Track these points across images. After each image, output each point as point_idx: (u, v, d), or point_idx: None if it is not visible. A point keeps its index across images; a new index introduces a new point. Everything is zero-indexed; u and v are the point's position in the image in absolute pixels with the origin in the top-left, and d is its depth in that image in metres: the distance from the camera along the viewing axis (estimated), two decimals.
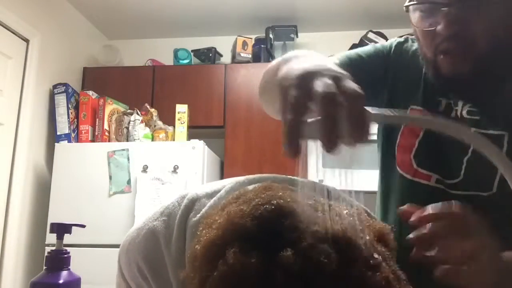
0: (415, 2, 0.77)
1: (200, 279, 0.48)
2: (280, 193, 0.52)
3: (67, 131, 2.93)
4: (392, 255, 0.51)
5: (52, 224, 0.76)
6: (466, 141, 0.53)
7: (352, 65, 0.88)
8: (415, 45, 0.92)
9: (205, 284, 0.47)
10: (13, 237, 2.64)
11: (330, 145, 0.46)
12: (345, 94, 0.48)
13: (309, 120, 0.48)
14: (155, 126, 2.98)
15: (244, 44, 3.38)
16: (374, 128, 0.96)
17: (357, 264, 0.45)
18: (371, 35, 3.17)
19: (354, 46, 3.24)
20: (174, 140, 2.93)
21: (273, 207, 0.49)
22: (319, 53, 0.74)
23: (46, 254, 0.76)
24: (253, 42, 3.40)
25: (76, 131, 2.97)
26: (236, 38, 3.40)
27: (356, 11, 3.30)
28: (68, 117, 2.95)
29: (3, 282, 2.57)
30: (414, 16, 0.78)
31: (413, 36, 0.94)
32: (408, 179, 0.87)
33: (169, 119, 3.00)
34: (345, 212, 0.51)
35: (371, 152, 0.97)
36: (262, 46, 3.34)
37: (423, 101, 0.87)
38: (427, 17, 0.76)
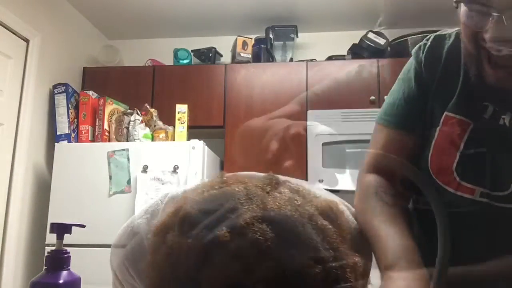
0: (467, 1, 0.73)
1: (151, 262, 0.51)
2: (231, 182, 0.54)
3: (67, 131, 2.93)
4: (341, 231, 0.53)
5: (52, 224, 0.76)
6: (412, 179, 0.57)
7: (404, 122, 0.87)
8: (448, 42, 0.88)
9: (154, 267, 0.49)
10: (13, 237, 2.64)
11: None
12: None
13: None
14: (155, 126, 2.98)
15: (244, 44, 3.38)
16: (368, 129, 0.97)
17: (291, 241, 0.46)
18: (371, 35, 3.17)
19: (354, 46, 3.24)
20: (174, 140, 2.93)
21: (215, 191, 0.51)
22: None
23: (46, 254, 0.76)
24: (253, 42, 3.40)
25: (76, 131, 2.97)
26: (236, 38, 3.40)
27: (356, 11, 3.30)
28: (68, 117, 2.95)
29: (3, 282, 2.57)
30: (462, 11, 0.75)
31: (439, 33, 0.91)
32: (450, 192, 0.83)
33: (169, 119, 3.00)
34: (286, 192, 0.52)
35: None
36: (262, 46, 3.34)
37: (463, 105, 0.82)
38: (475, 16, 0.72)
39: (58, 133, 2.94)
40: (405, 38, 3.09)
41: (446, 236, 0.58)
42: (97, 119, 2.96)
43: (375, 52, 3.11)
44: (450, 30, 0.91)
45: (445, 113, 0.83)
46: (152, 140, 2.91)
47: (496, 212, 0.74)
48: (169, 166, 2.67)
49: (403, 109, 0.88)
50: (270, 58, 3.34)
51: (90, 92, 3.04)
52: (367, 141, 0.95)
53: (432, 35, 0.91)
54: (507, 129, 0.79)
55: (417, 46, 0.92)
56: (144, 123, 2.95)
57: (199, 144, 2.74)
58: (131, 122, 2.93)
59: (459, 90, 0.83)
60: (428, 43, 0.90)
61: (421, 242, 0.76)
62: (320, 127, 2.86)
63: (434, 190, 0.56)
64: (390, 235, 0.74)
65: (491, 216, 0.78)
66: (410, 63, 0.91)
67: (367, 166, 0.89)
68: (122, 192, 2.69)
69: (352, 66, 3.18)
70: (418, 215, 0.86)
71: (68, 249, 0.76)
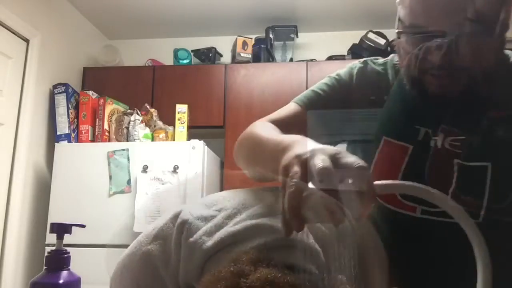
0: (410, 31, 0.76)
1: None
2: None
3: (67, 131, 2.93)
4: None
5: (52, 224, 0.76)
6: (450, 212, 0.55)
7: (312, 104, 0.92)
8: (378, 67, 0.94)
9: None
10: (13, 237, 2.64)
11: (336, 222, 0.48)
12: (348, 168, 0.51)
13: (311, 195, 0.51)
14: (155, 126, 2.98)
15: (244, 44, 3.38)
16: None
17: None
18: (371, 35, 3.17)
19: (354, 46, 3.25)
20: (174, 140, 2.93)
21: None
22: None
23: (46, 254, 0.76)
24: (253, 42, 3.40)
25: (76, 131, 2.97)
26: (236, 38, 3.40)
27: (356, 11, 3.30)
28: (68, 117, 2.95)
29: (3, 282, 2.57)
30: (404, 40, 0.78)
31: (372, 59, 0.97)
32: (391, 209, 0.86)
33: (169, 119, 3.00)
34: None
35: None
36: (262, 46, 3.34)
37: (399, 129, 0.86)
38: (418, 43, 0.75)
39: (58, 133, 2.94)
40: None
41: (488, 273, 0.54)
42: (97, 119, 2.96)
43: (375, 52, 3.11)
44: (381, 59, 0.97)
45: (384, 137, 0.87)
46: (152, 140, 2.92)
47: (439, 228, 0.77)
48: (169, 166, 2.67)
49: (320, 98, 0.93)
50: (270, 58, 3.34)
51: (90, 92, 3.05)
52: (367, 141, 0.95)
53: (363, 60, 0.97)
54: (438, 150, 0.83)
55: (351, 64, 0.97)
56: (144, 123, 2.95)
57: (199, 144, 2.74)
58: (131, 122, 2.93)
59: (395, 115, 0.87)
60: (361, 65, 0.96)
61: (424, 251, 0.77)
62: None
63: (474, 226, 0.55)
64: (282, 135, 0.74)
65: (432, 229, 0.80)
66: (343, 71, 0.97)
67: (268, 119, 0.93)
68: (122, 192, 2.69)
69: None
70: (427, 225, 0.85)
71: (68, 249, 0.75)
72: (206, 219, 0.64)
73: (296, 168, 0.53)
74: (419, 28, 0.74)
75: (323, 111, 0.91)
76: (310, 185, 0.51)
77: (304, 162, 0.53)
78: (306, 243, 0.59)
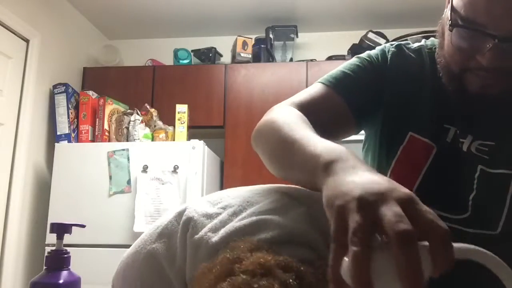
0: (466, 26, 0.70)
1: None
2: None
3: (67, 131, 2.93)
4: None
5: (52, 224, 0.76)
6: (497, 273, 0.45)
7: (341, 85, 0.83)
8: (413, 54, 0.87)
9: None
10: (13, 237, 2.64)
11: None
12: (425, 229, 0.41)
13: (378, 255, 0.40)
14: (155, 126, 2.98)
15: (244, 44, 3.38)
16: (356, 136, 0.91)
17: None
18: (371, 35, 3.17)
19: (354, 46, 3.24)
20: (174, 140, 2.93)
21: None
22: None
23: (46, 254, 0.76)
24: (253, 42, 3.40)
25: (76, 131, 2.97)
26: (236, 38, 3.40)
27: (356, 11, 3.31)
28: (68, 117, 2.95)
29: (3, 282, 2.57)
30: (455, 32, 0.72)
31: (406, 42, 0.90)
32: None
33: (169, 119, 3.00)
34: None
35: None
36: (262, 46, 3.34)
37: (428, 126, 0.81)
38: (472, 39, 0.70)
39: (58, 133, 2.94)
40: (405, 38, 3.09)
41: None
42: (97, 119, 2.96)
43: None
44: (414, 44, 0.89)
45: (410, 133, 0.82)
46: (152, 140, 2.92)
47: (456, 235, 0.71)
48: (169, 166, 2.67)
49: (352, 81, 0.84)
50: (270, 58, 3.34)
51: (90, 92, 3.05)
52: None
53: (396, 43, 0.89)
54: (464, 153, 0.78)
55: (383, 45, 0.90)
56: (144, 123, 2.95)
57: (199, 144, 2.74)
58: (131, 122, 2.93)
59: (425, 111, 0.82)
60: (394, 49, 0.88)
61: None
62: None
63: None
64: (316, 137, 0.63)
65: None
66: (376, 52, 0.89)
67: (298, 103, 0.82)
68: (122, 192, 2.69)
69: None
70: None
71: (68, 249, 0.75)
72: (211, 216, 0.63)
73: (357, 218, 0.41)
74: (477, 24, 0.67)
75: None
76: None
77: (368, 210, 0.42)
78: (314, 240, 0.58)
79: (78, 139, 2.95)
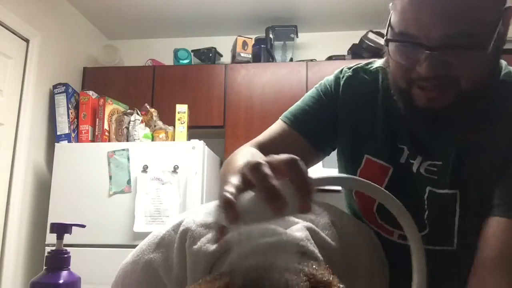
0: (398, 40, 0.72)
1: None
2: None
3: (67, 131, 2.93)
4: None
5: (52, 224, 0.76)
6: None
7: (301, 122, 0.90)
8: (369, 76, 0.89)
9: None
10: (13, 237, 2.64)
11: (279, 209, 0.46)
12: (279, 165, 0.49)
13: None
14: (155, 126, 2.98)
15: (244, 44, 3.38)
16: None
17: None
18: (371, 35, 3.17)
19: (354, 46, 3.24)
20: (174, 140, 2.93)
21: None
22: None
23: (46, 254, 0.76)
24: (253, 42, 3.40)
25: (76, 131, 2.97)
26: (236, 38, 3.40)
27: (356, 11, 3.30)
28: (68, 117, 2.95)
29: (3, 282, 2.57)
30: (392, 48, 0.74)
31: (366, 63, 0.92)
32: (374, 229, 0.86)
33: (169, 119, 3.00)
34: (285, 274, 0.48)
35: None
36: (262, 46, 3.34)
37: (382, 148, 0.84)
38: (407, 52, 0.72)
39: (58, 133, 2.94)
40: None
41: (423, 273, 0.51)
42: (97, 119, 2.96)
43: (375, 52, 3.11)
44: (375, 63, 0.91)
45: (366, 156, 0.85)
46: (152, 140, 2.91)
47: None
48: (169, 166, 2.67)
49: (307, 114, 0.90)
50: (270, 58, 3.34)
51: (90, 92, 3.05)
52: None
53: (354, 66, 0.91)
54: (414, 175, 0.81)
55: (338, 70, 0.93)
56: (144, 123, 2.95)
57: (199, 144, 2.74)
58: (131, 122, 2.93)
59: (379, 133, 0.84)
60: (350, 73, 0.90)
61: (398, 277, 0.74)
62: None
63: (412, 223, 0.52)
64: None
65: (409, 255, 0.80)
66: (330, 80, 0.92)
67: (255, 143, 0.92)
68: (122, 192, 2.69)
69: None
70: (404, 250, 0.85)
71: (68, 249, 0.76)
72: (209, 226, 0.63)
73: (231, 179, 0.51)
74: (410, 36, 0.70)
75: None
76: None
77: (240, 172, 0.51)
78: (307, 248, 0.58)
79: (78, 139, 2.95)
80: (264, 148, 0.86)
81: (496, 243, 0.69)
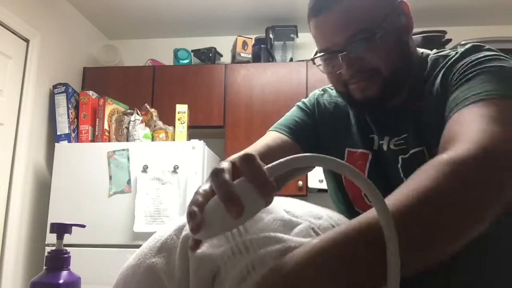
0: (317, 56, 0.90)
1: None
2: None
3: (67, 131, 2.93)
4: None
5: (52, 224, 0.76)
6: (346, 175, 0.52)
7: (293, 131, 1.00)
8: (325, 95, 1.05)
9: None
10: (13, 237, 2.64)
11: (236, 213, 0.48)
12: (236, 164, 0.52)
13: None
14: (155, 126, 2.98)
15: (244, 44, 3.39)
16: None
17: None
18: None
19: None
20: (174, 140, 2.93)
21: None
22: None
23: (46, 254, 0.76)
24: (253, 42, 3.40)
25: (76, 131, 2.97)
26: (236, 38, 3.40)
27: None
28: (68, 117, 2.95)
29: (3, 282, 2.57)
30: (320, 63, 0.90)
31: (329, 86, 1.04)
32: (359, 211, 0.90)
33: (169, 119, 3.00)
34: None
35: None
36: (262, 46, 3.34)
37: (358, 140, 0.96)
38: (330, 62, 0.88)
39: (58, 133, 2.94)
40: None
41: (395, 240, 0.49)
42: (97, 119, 2.96)
43: None
44: (317, 90, 1.09)
45: (347, 149, 0.97)
46: (152, 140, 2.92)
47: None
48: (169, 166, 2.67)
49: (297, 124, 1.01)
50: (270, 58, 3.34)
51: (90, 92, 3.05)
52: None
53: (323, 87, 1.09)
54: (386, 152, 0.91)
55: (315, 91, 1.09)
56: (144, 123, 2.95)
57: (199, 144, 2.74)
58: (131, 122, 2.93)
59: (353, 130, 0.97)
60: (321, 92, 1.07)
61: None
62: None
63: (373, 188, 0.51)
64: None
65: None
66: (307, 99, 1.08)
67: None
68: (122, 192, 2.69)
69: None
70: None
71: (68, 249, 0.76)
72: None
73: (202, 187, 0.55)
74: (325, 50, 0.87)
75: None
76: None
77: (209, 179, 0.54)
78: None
79: (78, 139, 2.95)
80: (262, 156, 0.88)
81: (455, 127, 0.70)
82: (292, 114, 1.05)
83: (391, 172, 0.89)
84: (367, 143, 0.95)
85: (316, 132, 1.02)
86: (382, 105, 0.89)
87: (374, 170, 0.92)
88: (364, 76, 0.86)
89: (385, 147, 0.92)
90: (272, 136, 0.99)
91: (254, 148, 0.95)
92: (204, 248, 0.61)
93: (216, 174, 0.51)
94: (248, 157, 0.51)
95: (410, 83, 0.89)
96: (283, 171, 0.51)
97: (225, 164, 0.53)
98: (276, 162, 0.51)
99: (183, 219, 0.69)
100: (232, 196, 0.48)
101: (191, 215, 0.50)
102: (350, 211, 0.96)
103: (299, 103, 1.08)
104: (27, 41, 2.83)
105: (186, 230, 0.65)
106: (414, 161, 0.86)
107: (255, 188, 0.49)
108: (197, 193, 0.53)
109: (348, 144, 0.97)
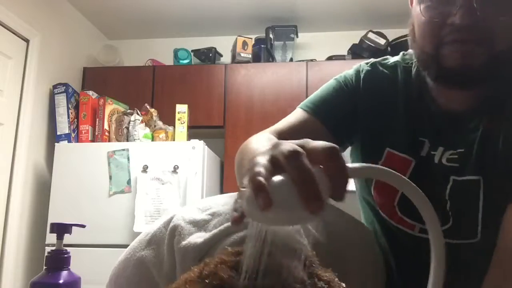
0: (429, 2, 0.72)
1: None
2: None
3: (67, 131, 2.93)
4: None
5: (52, 224, 0.76)
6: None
7: (322, 111, 0.87)
8: (387, 70, 0.89)
9: None
10: (13, 237, 2.64)
11: (314, 207, 0.41)
12: (316, 151, 0.45)
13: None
14: (155, 126, 2.98)
15: (244, 44, 3.38)
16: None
17: None
18: (371, 35, 3.17)
19: (354, 46, 3.24)
20: (174, 140, 2.93)
21: None
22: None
23: (46, 254, 0.76)
24: (253, 42, 3.40)
25: (76, 131, 2.97)
26: (236, 38, 3.40)
27: (356, 11, 3.30)
28: (68, 117, 2.95)
29: (3, 282, 2.57)
30: (421, 6, 0.74)
31: (383, 59, 0.91)
32: (392, 224, 0.85)
33: (169, 119, 3.00)
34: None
35: None
36: (262, 46, 3.34)
37: (403, 141, 0.83)
38: (435, 7, 0.72)
39: (58, 133, 2.94)
40: (405, 38, 3.09)
41: (442, 266, 0.49)
42: (97, 119, 2.96)
43: (375, 52, 3.11)
44: (391, 59, 0.91)
45: (387, 149, 0.84)
46: (152, 140, 2.92)
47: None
48: (169, 166, 2.67)
49: (328, 103, 0.88)
50: (270, 58, 3.34)
51: (90, 92, 3.04)
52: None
53: (371, 61, 0.91)
54: (436, 166, 0.80)
55: (358, 65, 0.92)
56: (144, 123, 2.95)
57: (199, 144, 2.74)
58: (131, 122, 2.93)
59: (400, 127, 0.83)
60: (368, 68, 0.90)
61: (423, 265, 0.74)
62: None
63: (434, 215, 0.49)
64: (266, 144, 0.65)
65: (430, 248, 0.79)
66: (351, 73, 0.91)
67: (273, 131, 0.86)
68: (122, 192, 2.69)
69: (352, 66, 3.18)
70: (425, 243, 0.85)
71: (68, 249, 0.76)
72: (198, 223, 0.64)
73: (260, 160, 0.45)
74: None
75: None
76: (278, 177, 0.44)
77: (267, 153, 0.46)
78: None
79: (78, 139, 2.95)
80: (284, 135, 0.82)
81: None
82: (325, 91, 0.91)
83: (435, 191, 0.78)
84: (414, 146, 0.82)
85: (352, 115, 0.88)
86: (472, 84, 0.74)
87: (414, 183, 0.86)
88: (473, 38, 0.69)
89: (436, 159, 0.80)
90: (298, 115, 0.89)
91: (282, 125, 0.87)
92: (188, 240, 0.61)
93: (294, 156, 0.43)
94: (337, 150, 0.45)
95: (503, 83, 0.75)
96: (357, 177, 0.48)
97: (297, 147, 0.44)
98: (356, 166, 0.48)
99: (171, 212, 0.69)
100: (317, 190, 0.41)
101: (259, 187, 0.41)
102: (376, 213, 0.89)
103: (339, 78, 0.91)
104: (27, 41, 2.83)
105: (173, 222, 0.65)
106: (467, 189, 0.77)
107: (335, 183, 0.44)
108: (257, 164, 0.44)
109: (389, 142, 0.84)
